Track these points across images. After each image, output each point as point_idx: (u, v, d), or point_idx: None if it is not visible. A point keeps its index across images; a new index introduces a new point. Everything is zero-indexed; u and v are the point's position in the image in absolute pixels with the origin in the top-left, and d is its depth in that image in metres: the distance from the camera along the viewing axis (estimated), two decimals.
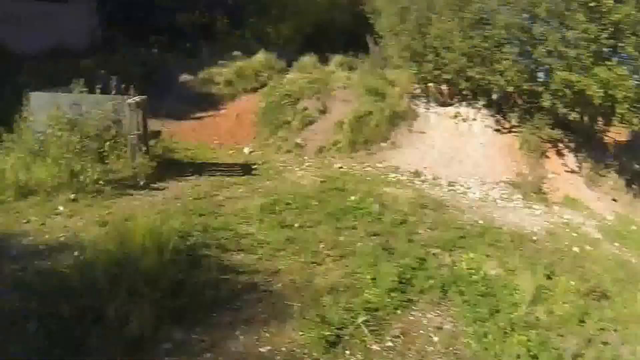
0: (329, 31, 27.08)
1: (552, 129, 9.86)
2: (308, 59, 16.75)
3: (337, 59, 17.00)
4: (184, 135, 12.17)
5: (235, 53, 17.97)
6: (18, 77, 10.43)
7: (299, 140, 12.20)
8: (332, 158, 11.31)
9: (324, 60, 16.04)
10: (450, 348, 4.04)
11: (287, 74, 15.57)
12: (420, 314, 4.49)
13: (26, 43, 12.40)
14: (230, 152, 11.81)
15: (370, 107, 12.41)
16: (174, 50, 17.17)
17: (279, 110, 14.67)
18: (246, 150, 11.89)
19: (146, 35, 16.83)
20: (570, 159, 10.31)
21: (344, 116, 12.47)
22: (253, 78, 16.72)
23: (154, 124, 9.99)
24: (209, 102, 15.80)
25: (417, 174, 10.29)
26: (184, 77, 16.58)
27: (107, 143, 7.42)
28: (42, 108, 7.01)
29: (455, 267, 5.46)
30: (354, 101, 13.07)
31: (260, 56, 17.41)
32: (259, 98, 14.78)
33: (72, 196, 6.31)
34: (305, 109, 14.65)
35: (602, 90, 8.03)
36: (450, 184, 9.85)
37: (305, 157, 11.44)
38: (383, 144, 11.84)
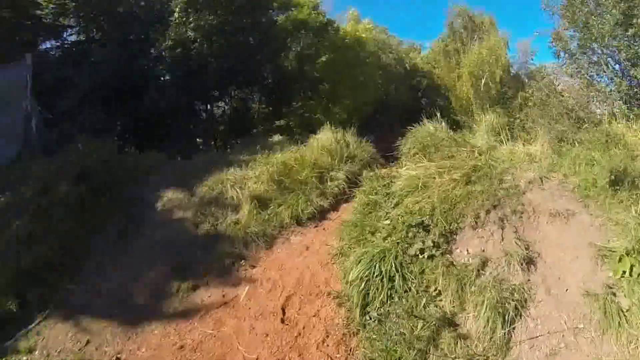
0: (389, 108, 20.38)
1: None
2: (432, 127, 7.86)
3: (485, 121, 8.02)
4: None
5: (275, 139, 9.27)
6: None
7: None
8: None
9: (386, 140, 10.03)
10: None
11: (391, 165, 8.50)
12: None
13: None
14: None
15: None
16: (170, 146, 12.23)
17: (410, 272, 5.23)
18: None
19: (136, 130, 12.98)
20: None
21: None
22: (314, 184, 7.68)
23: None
24: (213, 260, 6.78)
25: None
26: (169, 196, 7.75)
27: None
28: None
29: None
30: (581, 213, 5.49)
31: (326, 136, 8.68)
32: (335, 234, 7.09)
33: None
34: (485, 263, 5.13)
35: None
36: None
37: None
38: None
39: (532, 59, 27.55)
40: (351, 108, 18.16)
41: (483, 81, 25.74)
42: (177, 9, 13.11)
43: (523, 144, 7.32)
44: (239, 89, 16.26)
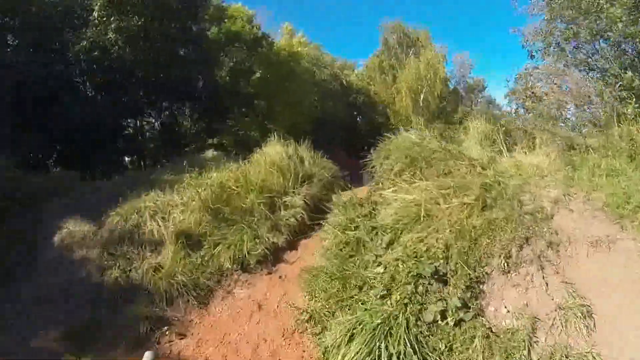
0: (326, 125, 19.42)
1: None
2: (415, 136, 6.24)
3: (475, 128, 6.74)
4: None
5: (209, 154, 7.18)
6: None
7: None
8: None
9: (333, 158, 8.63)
10: None
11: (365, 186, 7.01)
12: None
13: None
14: None
15: None
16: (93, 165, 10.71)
17: (432, 350, 3.31)
18: None
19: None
20: None
21: None
22: (263, 213, 5.69)
23: None
24: (124, 324, 4.85)
25: None
26: (70, 228, 5.63)
27: None
28: None
29: None
30: (622, 239, 4.12)
31: (274, 149, 6.87)
32: (299, 285, 5.00)
33: None
34: (535, 324, 3.43)
35: None
36: None
37: None
38: None
39: (470, 73, 29.36)
40: (288, 125, 16.80)
41: (422, 96, 26.04)
42: (97, 7, 11.16)
43: (525, 153, 6.04)
44: (169, 103, 14.60)
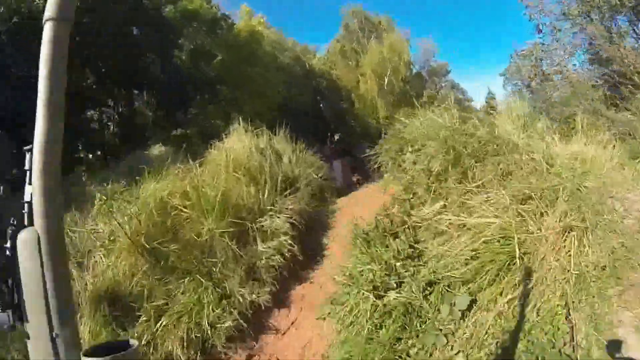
0: (291, 112, 18.15)
1: None
2: (442, 119, 4.29)
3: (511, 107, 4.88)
4: None
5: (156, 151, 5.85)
6: None
7: None
8: None
9: None
10: None
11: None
12: None
13: None
14: None
15: None
16: None
17: None
18: None
19: None
20: None
21: None
22: (229, 249, 3.57)
23: None
24: None
25: None
26: None
27: None
28: None
29: None
30: None
31: (240, 142, 4.92)
32: None
33: None
34: None
35: None
36: None
37: None
38: None
39: (434, 57, 28.55)
40: (252, 112, 14.78)
41: (387, 79, 24.72)
42: None
43: (565, 143, 4.45)
44: (124, 90, 12.96)
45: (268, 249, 3.87)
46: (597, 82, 6.06)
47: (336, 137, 24.65)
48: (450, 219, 2.97)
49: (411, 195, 3.60)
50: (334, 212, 5.18)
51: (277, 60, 20.03)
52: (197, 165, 4.87)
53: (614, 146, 4.20)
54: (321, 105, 24.93)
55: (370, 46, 23.63)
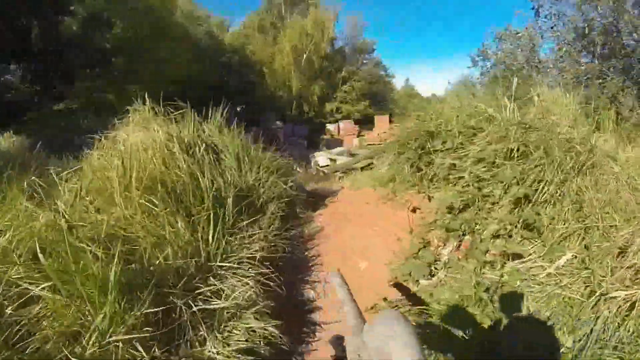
0: (195, 87, 16.28)
1: None
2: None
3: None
4: None
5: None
6: None
7: None
8: None
9: None
10: None
11: None
12: None
13: None
14: None
15: None
16: None
17: None
18: None
19: None
20: None
21: None
22: None
23: None
24: None
25: None
26: None
27: None
28: None
29: None
30: None
31: (146, 132, 2.78)
32: None
33: None
34: None
35: None
36: None
37: None
38: None
39: (362, 34, 27.31)
40: (152, 88, 12.10)
41: (305, 55, 23.01)
42: None
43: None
44: None
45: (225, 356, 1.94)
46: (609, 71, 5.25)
47: (238, 108, 22.50)
48: None
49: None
50: (313, 240, 3.41)
51: (188, 33, 18.50)
52: (65, 181, 2.62)
53: None
54: (225, 79, 22.56)
55: (292, 21, 22.10)
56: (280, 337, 2.19)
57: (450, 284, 2.47)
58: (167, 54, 14.81)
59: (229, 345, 2.00)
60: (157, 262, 2.11)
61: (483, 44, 7.93)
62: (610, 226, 2.29)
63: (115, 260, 1.89)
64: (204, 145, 3.12)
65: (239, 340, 2.04)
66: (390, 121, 15.87)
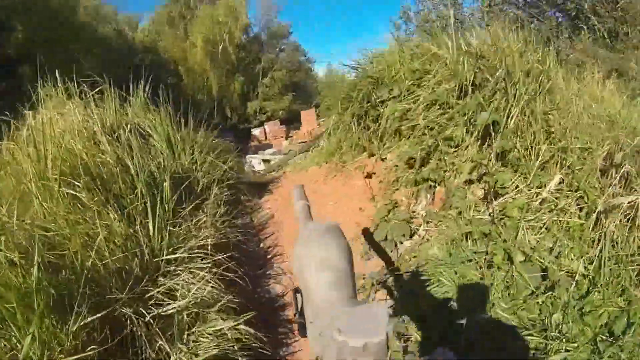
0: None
1: None
2: None
3: None
4: None
5: None
6: None
7: None
8: None
9: None
10: None
11: None
12: None
13: None
14: None
15: None
16: None
17: None
18: None
19: None
20: None
21: None
22: None
23: None
24: None
25: None
26: None
27: None
28: None
29: None
30: None
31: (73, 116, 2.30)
32: None
33: None
34: None
35: None
36: None
37: None
38: None
39: (276, 17, 25.69)
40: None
41: (220, 47, 21.37)
42: None
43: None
44: None
45: None
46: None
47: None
48: None
49: None
50: (265, 229, 2.94)
51: (95, 33, 16.33)
52: None
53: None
54: (142, 82, 20.50)
55: (202, 10, 20.16)
56: (255, 337, 1.72)
57: (435, 238, 2.19)
58: (82, 57, 13.45)
59: (197, 355, 1.51)
60: (91, 263, 1.51)
61: (402, 6, 7.83)
62: (584, 149, 2.18)
63: (36, 265, 1.26)
64: (128, 127, 2.48)
65: (209, 347, 1.55)
66: (318, 115, 15.31)
